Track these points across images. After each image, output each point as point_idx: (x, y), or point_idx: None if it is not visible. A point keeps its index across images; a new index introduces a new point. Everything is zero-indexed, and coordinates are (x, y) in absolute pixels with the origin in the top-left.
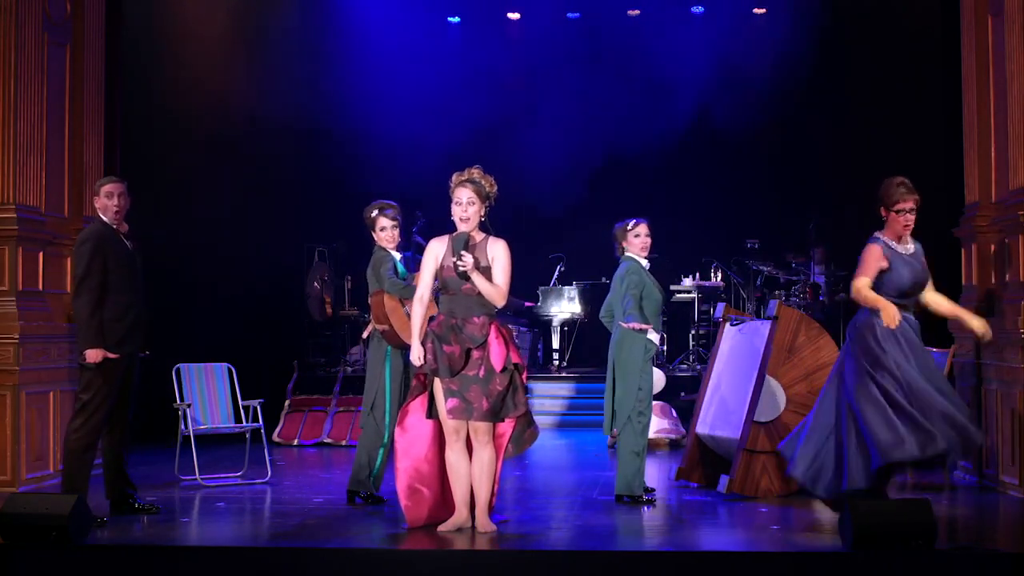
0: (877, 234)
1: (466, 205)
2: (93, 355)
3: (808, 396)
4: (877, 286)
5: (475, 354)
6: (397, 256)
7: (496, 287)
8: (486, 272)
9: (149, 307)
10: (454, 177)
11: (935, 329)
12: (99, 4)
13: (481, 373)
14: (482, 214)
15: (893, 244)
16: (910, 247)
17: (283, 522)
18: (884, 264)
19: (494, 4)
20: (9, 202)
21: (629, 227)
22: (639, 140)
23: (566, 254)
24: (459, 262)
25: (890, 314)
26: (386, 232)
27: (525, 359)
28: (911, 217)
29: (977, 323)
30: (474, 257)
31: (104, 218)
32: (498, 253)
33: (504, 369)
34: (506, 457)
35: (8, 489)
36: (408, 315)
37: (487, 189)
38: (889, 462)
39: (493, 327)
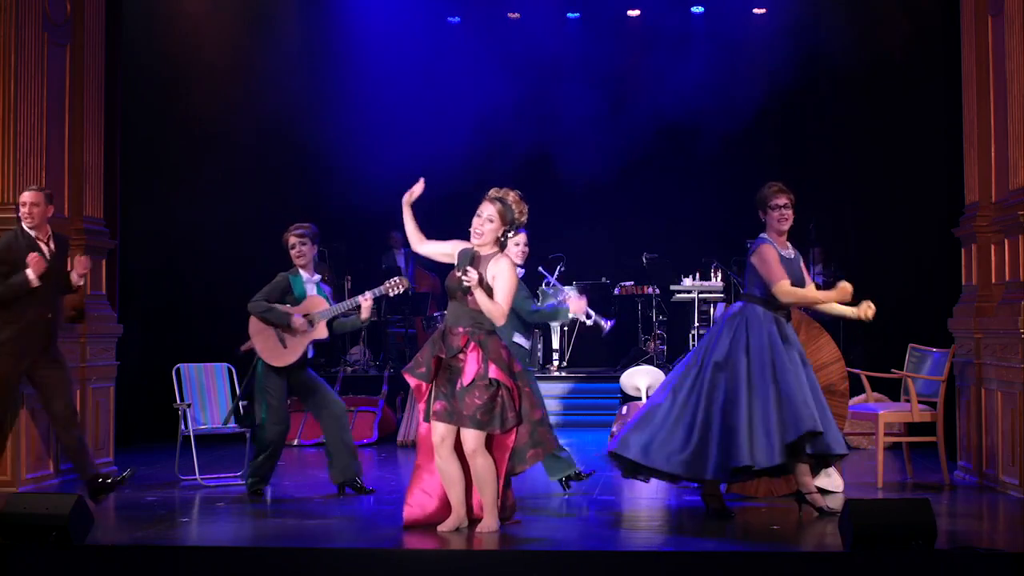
0: (762, 235)
1: (484, 220)
2: None
3: None
4: (757, 284)
5: (455, 364)
6: (304, 277)
7: (496, 305)
8: (488, 291)
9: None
10: (491, 191)
11: (935, 329)
12: (99, 4)
13: (459, 386)
14: (499, 235)
15: (777, 246)
16: (790, 252)
17: (283, 522)
18: None
19: (494, 4)
20: (9, 202)
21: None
22: (637, 141)
23: (566, 255)
24: (464, 277)
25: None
26: (294, 250)
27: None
28: (787, 212)
29: (851, 310)
30: (479, 273)
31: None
32: (500, 271)
33: (472, 383)
34: (508, 475)
35: (8, 489)
36: (279, 339)
37: (514, 215)
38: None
39: (472, 343)
